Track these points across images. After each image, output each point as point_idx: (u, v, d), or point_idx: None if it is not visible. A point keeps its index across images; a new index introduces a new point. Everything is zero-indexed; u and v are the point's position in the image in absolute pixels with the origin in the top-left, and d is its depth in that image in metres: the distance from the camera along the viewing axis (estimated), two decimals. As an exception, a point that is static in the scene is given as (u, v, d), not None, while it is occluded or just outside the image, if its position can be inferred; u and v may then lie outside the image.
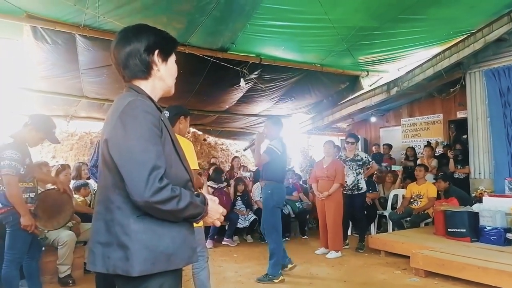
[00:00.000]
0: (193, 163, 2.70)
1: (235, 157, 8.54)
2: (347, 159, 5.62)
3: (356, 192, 5.52)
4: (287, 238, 6.44)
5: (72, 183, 4.85)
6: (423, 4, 4.81)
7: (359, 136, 6.47)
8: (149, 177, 1.23)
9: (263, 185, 4.28)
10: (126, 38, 1.41)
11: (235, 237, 6.26)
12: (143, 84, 1.44)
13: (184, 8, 4.42)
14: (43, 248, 3.94)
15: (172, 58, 1.49)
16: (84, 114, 7.59)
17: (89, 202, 4.96)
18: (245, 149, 4.72)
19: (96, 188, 4.85)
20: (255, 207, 6.56)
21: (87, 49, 4.97)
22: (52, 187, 3.65)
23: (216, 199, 1.50)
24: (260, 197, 6.02)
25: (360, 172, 5.55)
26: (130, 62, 1.40)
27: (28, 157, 3.06)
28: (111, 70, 5.63)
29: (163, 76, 1.46)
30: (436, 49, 6.41)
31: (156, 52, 1.42)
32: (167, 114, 2.83)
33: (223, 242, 6.01)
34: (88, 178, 5.48)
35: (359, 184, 5.52)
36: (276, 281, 4.04)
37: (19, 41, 4.90)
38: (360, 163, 5.56)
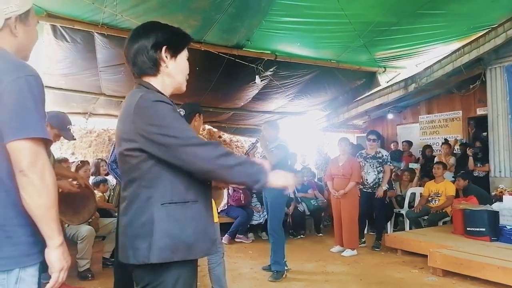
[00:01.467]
0: None
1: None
2: (368, 156, 5.56)
3: (377, 190, 5.47)
4: (302, 236, 6.44)
5: (91, 179, 4.95)
6: (442, -2, 4.71)
7: (380, 133, 6.38)
8: (206, 145, 1.30)
9: None
10: (135, 36, 1.44)
11: (250, 234, 6.28)
12: (152, 81, 1.45)
13: (200, 5, 4.43)
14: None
15: (183, 55, 1.49)
16: (102, 111, 7.71)
17: (107, 197, 5.05)
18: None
19: (114, 184, 4.95)
20: (270, 204, 6.57)
21: (105, 47, 5.04)
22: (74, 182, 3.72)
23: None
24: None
25: (381, 170, 5.48)
26: (138, 59, 1.42)
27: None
28: (128, 68, 5.70)
29: (172, 73, 1.46)
30: (456, 45, 6.27)
31: (164, 48, 1.42)
32: (182, 112, 2.85)
33: (236, 239, 6.04)
34: (107, 174, 5.58)
35: (380, 182, 5.46)
36: (286, 274, 4.16)
37: (39, 39, 5.01)
38: (381, 160, 5.49)
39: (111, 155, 3.47)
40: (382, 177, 5.48)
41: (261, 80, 6.45)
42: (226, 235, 5.86)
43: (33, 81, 1.21)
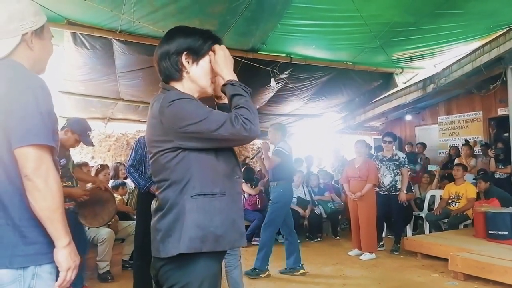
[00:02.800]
0: None
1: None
2: (384, 158, 5.50)
3: (394, 193, 5.39)
4: (319, 239, 6.39)
5: (110, 183, 5.04)
6: (461, -3, 4.63)
7: (397, 135, 6.30)
8: (233, 124, 1.32)
9: (274, 185, 4.45)
10: (161, 41, 1.48)
11: (267, 237, 6.27)
12: (177, 85, 1.48)
13: (217, 10, 4.48)
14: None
15: (207, 58, 1.48)
16: (121, 116, 7.86)
17: (126, 200, 5.14)
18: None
19: (133, 187, 5.03)
20: (287, 207, 6.55)
21: (123, 53, 5.14)
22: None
23: None
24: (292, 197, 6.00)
25: (398, 173, 5.41)
26: (163, 64, 1.46)
27: (63, 158, 3.20)
28: (145, 73, 5.80)
29: (194, 78, 1.48)
30: (475, 44, 6.14)
31: (184, 54, 1.44)
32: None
33: (253, 242, 6.03)
34: (126, 178, 5.67)
35: (397, 185, 5.39)
36: (262, 275, 4.23)
37: (60, 46, 5.15)
38: (397, 162, 5.42)
39: (129, 159, 3.53)
40: (400, 180, 5.40)
41: (276, 83, 6.46)
42: (242, 237, 5.87)
43: (40, 91, 1.28)
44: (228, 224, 1.39)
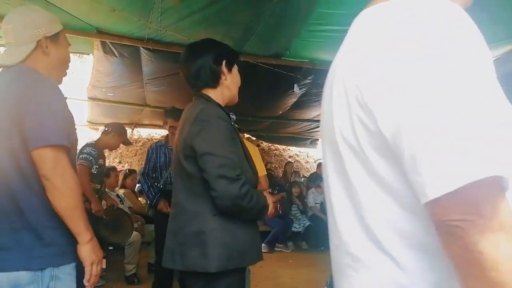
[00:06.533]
0: (262, 169, 2.76)
1: (288, 162, 8.56)
2: None
3: None
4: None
5: (137, 187, 5.16)
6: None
7: None
8: (236, 180, 1.34)
9: None
10: (196, 52, 1.56)
11: (290, 243, 6.25)
12: (211, 93, 1.56)
13: (241, 18, 4.54)
14: (110, 248, 4.24)
15: (236, 68, 1.62)
16: (147, 122, 8.04)
17: (151, 205, 5.23)
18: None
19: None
20: (310, 213, 6.51)
21: (150, 60, 5.28)
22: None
23: (267, 195, 1.58)
24: (316, 203, 5.96)
25: None
26: (202, 73, 1.53)
27: (102, 159, 3.40)
28: (171, 80, 5.93)
29: (229, 85, 1.59)
30: (505, 48, 5.95)
31: (224, 62, 1.55)
32: (233, 117, 2.94)
33: (276, 248, 6.02)
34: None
35: None
36: None
37: (90, 55, 5.35)
38: None
39: (142, 168, 3.64)
40: None
41: (300, 89, 6.46)
42: (263, 244, 5.88)
43: (53, 94, 1.36)
44: (250, 240, 1.45)
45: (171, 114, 3.60)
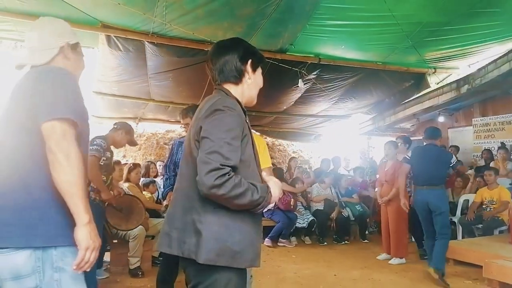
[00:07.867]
0: (267, 161, 2.76)
1: (292, 157, 8.55)
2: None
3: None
4: (346, 242, 6.32)
5: (142, 180, 5.18)
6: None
7: (411, 139, 6.10)
8: (216, 170, 1.33)
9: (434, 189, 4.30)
10: (224, 48, 1.59)
11: (293, 238, 6.25)
12: (232, 88, 1.58)
13: (246, 13, 4.52)
14: (115, 241, 4.27)
15: (259, 71, 1.65)
16: (151, 116, 8.05)
17: (156, 198, 5.26)
18: None
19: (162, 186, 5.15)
20: (314, 208, 6.51)
21: (155, 55, 5.27)
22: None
23: (278, 183, 1.57)
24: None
25: None
26: (226, 68, 1.56)
27: (109, 152, 3.46)
28: (175, 74, 5.92)
29: (251, 85, 1.62)
30: (513, 43, 5.90)
31: (249, 62, 1.58)
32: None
33: (279, 243, 6.03)
34: (156, 176, 5.82)
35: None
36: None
37: (95, 48, 5.35)
38: None
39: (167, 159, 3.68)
40: None
41: (304, 84, 6.44)
42: (267, 238, 5.89)
43: (66, 77, 1.45)
44: (247, 242, 1.44)
45: (193, 111, 3.59)
